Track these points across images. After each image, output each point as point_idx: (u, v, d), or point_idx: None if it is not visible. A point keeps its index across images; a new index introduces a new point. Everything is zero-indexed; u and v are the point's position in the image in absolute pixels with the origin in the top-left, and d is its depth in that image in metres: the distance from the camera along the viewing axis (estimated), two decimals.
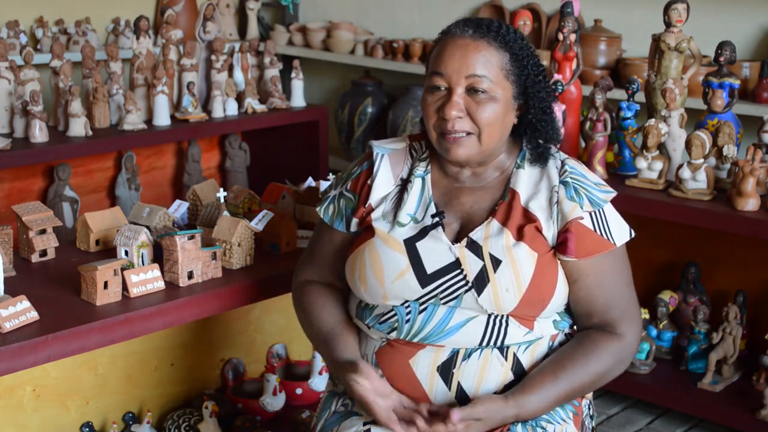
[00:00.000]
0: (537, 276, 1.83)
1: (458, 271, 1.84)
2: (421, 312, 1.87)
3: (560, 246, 1.87)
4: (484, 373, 1.86)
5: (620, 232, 1.91)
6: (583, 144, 3.17)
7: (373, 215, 1.94)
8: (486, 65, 1.83)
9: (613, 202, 1.96)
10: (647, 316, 3.14)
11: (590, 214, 1.88)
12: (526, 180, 1.91)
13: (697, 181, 2.87)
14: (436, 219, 1.89)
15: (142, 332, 2.13)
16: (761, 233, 2.73)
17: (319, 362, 2.74)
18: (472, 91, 1.83)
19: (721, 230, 2.90)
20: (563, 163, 1.92)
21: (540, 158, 1.92)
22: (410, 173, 1.96)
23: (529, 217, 1.87)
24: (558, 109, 2.95)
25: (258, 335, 2.84)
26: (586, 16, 4.21)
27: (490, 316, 1.85)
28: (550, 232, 1.87)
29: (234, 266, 2.36)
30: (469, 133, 1.85)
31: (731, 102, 2.98)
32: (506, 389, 1.86)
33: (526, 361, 1.88)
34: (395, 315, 1.89)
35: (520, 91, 1.89)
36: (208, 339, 2.71)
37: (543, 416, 1.87)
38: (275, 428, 2.63)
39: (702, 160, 2.86)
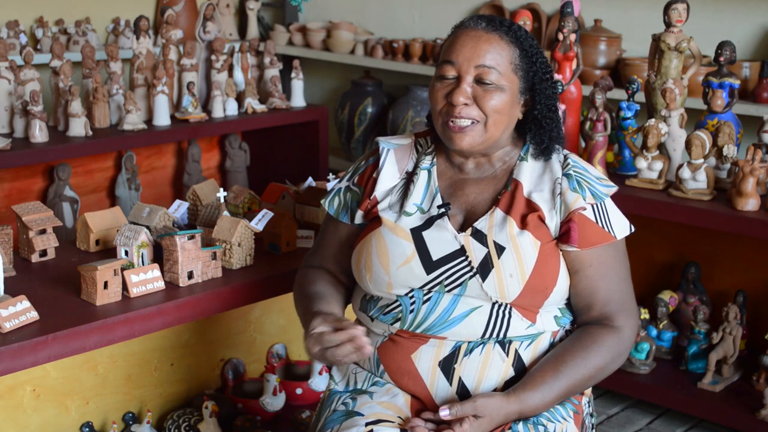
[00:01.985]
0: (540, 263, 1.85)
1: (463, 257, 1.87)
2: (425, 302, 1.88)
3: (563, 236, 1.90)
4: (485, 369, 1.88)
5: (621, 225, 1.95)
6: (583, 144, 3.17)
7: (380, 206, 1.97)
8: (496, 57, 1.87)
9: (614, 200, 1.98)
10: (647, 316, 3.14)
11: (592, 206, 1.91)
12: (529, 172, 1.95)
13: (697, 181, 2.87)
14: (442, 210, 1.92)
15: (142, 332, 2.13)
16: (761, 233, 2.73)
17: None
18: (480, 81, 1.87)
19: (721, 230, 2.90)
20: (566, 158, 1.96)
21: (544, 153, 1.96)
22: (416, 166, 2.00)
23: (531, 207, 1.90)
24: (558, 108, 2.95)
25: (258, 335, 2.84)
26: (586, 16, 4.21)
27: (493, 306, 1.86)
28: (552, 222, 1.90)
29: (234, 266, 2.36)
30: (475, 121, 1.88)
31: (731, 102, 2.98)
32: (507, 386, 1.88)
33: (527, 357, 1.90)
34: (399, 305, 1.91)
35: (527, 87, 1.93)
36: (208, 339, 2.71)
37: (544, 414, 1.88)
38: (275, 428, 2.63)
39: (702, 160, 2.86)
